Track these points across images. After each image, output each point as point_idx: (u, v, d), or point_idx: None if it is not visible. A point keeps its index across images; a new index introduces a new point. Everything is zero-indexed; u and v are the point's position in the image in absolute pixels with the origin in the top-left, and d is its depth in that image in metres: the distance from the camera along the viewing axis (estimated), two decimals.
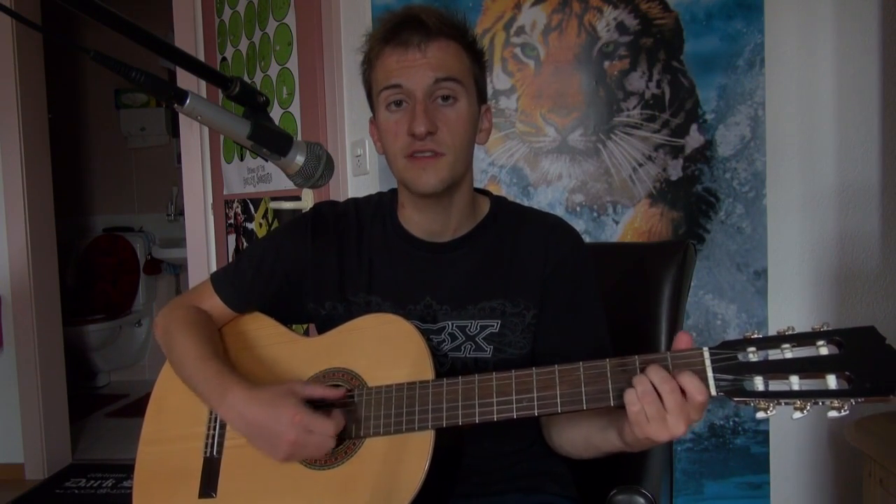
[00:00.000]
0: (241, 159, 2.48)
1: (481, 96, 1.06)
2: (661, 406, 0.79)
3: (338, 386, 1.01)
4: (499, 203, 1.13)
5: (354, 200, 1.16)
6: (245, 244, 2.51)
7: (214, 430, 1.07)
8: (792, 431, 1.99)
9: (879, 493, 1.56)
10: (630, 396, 0.81)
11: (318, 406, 0.97)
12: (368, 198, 1.17)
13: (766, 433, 1.88)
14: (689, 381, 0.79)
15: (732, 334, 1.85)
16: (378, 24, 1.02)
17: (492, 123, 1.10)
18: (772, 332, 1.66)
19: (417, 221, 1.08)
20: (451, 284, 1.05)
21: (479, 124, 1.06)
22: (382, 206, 1.13)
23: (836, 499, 1.99)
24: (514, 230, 1.08)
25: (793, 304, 1.97)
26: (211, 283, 1.16)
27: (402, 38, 0.98)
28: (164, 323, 1.14)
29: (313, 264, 1.11)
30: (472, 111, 1.02)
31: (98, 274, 4.59)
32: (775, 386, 0.78)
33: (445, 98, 0.99)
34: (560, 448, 1.06)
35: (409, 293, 1.06)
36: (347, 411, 0.97)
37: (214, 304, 1.15)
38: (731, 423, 1.88)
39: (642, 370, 0.82)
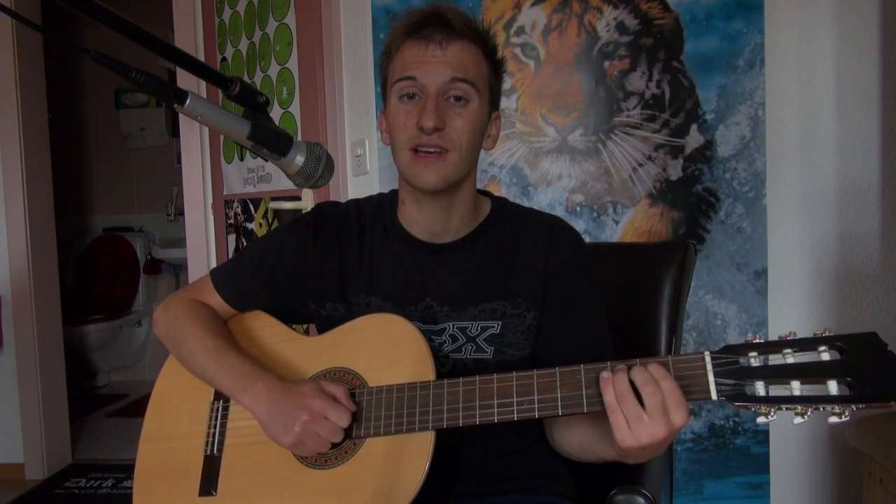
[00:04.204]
0: (241, 159, 2.48)
1: (493, 103, 1.06)
2: (642, 410, 0.80)
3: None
4: (500, 204, 1.13)
5: (355, 202, 1.16)
6: (245, 244, 2.50)
7: (215, 428, 1.07)
8: (792, 431, 1.99)
9: (879, 493, 1.56)
10: (611, 403, 0.82)
11: None
12: (369, 199, 1.17)
13: (766, 433, 1.88)
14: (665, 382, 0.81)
15: (732, 334, 1.85)
16: (403, 17, 1.02)
17: (500, 131, 1.11)
18: (772, 331, 1.66)
19: (418, 220, 1.08)
20: (451, 286, 1.05)
21: (487, 130, 1.06)
22: (383, 207, 1.13)
23: (836, 499, 1.99)
24: (514, 231, 1.08)
25: (793, 304, 1.97)
26: (211, 280, 1.16)
27: (424, 34, 0.99)
28: (166, 317, 1.14)
29: (314, 265, 1.11)
30: (483, 115, 1.03)
31: (98, 274, 4.59)
32: (776, 391, 0.78)
33: (458, 98, 0.99)
34: (561, 450, 1.06)
35: (410, 294, 1.06)
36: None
37: (214, 301, 1.15)
38: (731, 423, 1.88)
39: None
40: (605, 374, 0.82)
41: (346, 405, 0.95)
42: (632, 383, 0.81)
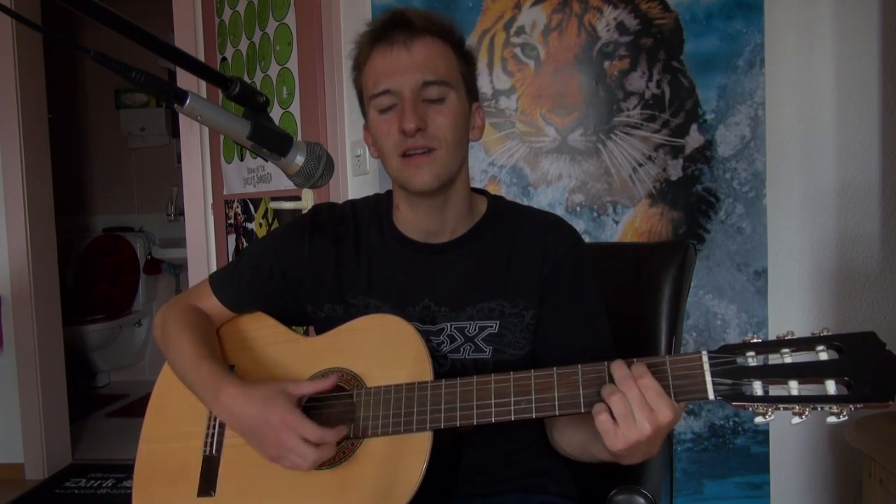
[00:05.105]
0: (241, 159, 2.48)
1: (472, 94, 1.06)
2: (628, 405, 0.80)
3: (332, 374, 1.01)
4: (496, 202, 1.12)
5: (351, 202, 1.16)
6: (245, 244, 2.51)
7: (214, 428, 1.07)
8: (792, 431, 1.99)
9: (879, 493, 1.56)
10: (597, 407, 0.82)
11: (322, 415, 0.96)
12: (365, 200, 1.17)
13: (766, 433, 1.88)
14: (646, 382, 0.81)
15: (732, 334, 1.85)
16: (366, 27, 1.03)
17: (484, 121, 1.10)
18: (771, 331, 1.66)
19: (413, 222, 1.08)
20: (449, 286, 1.05)
21: (471, 121, 1.06)
22: (379, 208, 1.13)
23: (836, 499, 1.99)
24: (512, 230, 1.08)
25: (793, 304, 1.97)
26: (209, 284, 1.16)
27: (387, 38, 0.99)
28: (161, 322, 1.14)
29: (311, 266, 1.10)
30: (463, 107, 1.02)
31: (98, 274, 4.59)
32: (774, 391, 0.77)
33: (434, 100, 0.99)
34: (560, 449, 1.05)
35: (408, 295, 1.06)
36: (346, 418, 0.97)
37: (212, 305, 1.15)
38: (731, 423, 1.88)
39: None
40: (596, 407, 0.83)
41: (323, 388, 0.95)
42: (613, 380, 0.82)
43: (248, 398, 0.95)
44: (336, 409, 1.00)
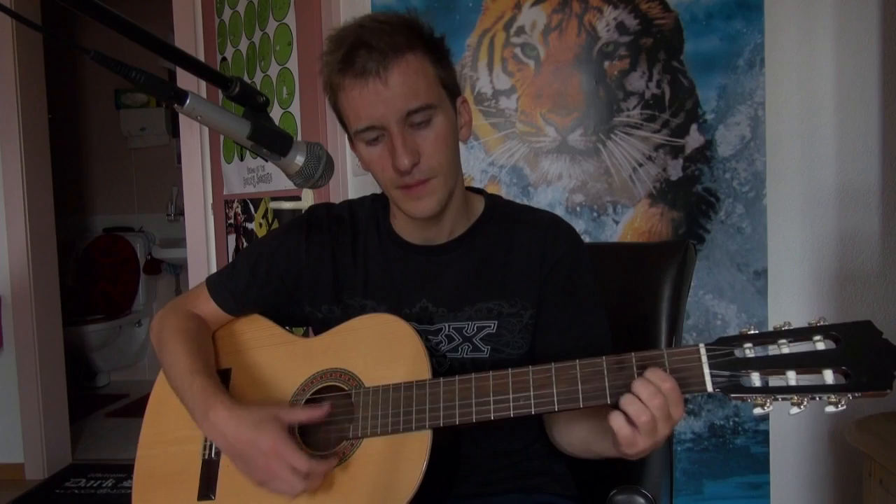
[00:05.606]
0: (241, 159, 2.47)
1: (454, 94, 1.02)
2: (655, 420, 0.79)
3: (330, 388, 1.00)
4: (493, 202, 1.12)
5: (349, 203, 1.16)
6: (245, 244, 2.51)
7: None
8: (792, 431, 1.99)
9: (879, 493, 1.56)
10: (619, 421, 0.80)
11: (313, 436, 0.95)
12: (362, 200, 1.16)
13: (766, 433, 1.88)
14: (652, 376, 0.79)
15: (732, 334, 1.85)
16: (329, 43, 0.96)
17: (471, 114, 1.07)
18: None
19: (410, 229, 1.08)
20: (446, 286, 1.05)
21: (458, 123, 1.03)
22: (376, 210, 1.13)
23: (836, 499, 1.99)
24: (509, 229, 1.07)
25: (793, 303, 1.97)
26: (206, 288, 1.16)
27: (358, 68, 0.92)
28: (157, 329, 1.14)
29: (309, 267, 1.10)
30: (450, 121, 1.00)
31: (98, 274, 4.59)
32: (772, 381, 0.77)
33: (420, 122, 0.96)
34: (561, 447, 1.05)
35: (405, 296, 1.05)
36: (341, 426, 0.97)
37: (210, 308, 1.15)
38: (731, 422, 1.88)
39: (639, 372, 0.81)
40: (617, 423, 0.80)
41: (316, 417, 0.93)
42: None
43: (239, 420, 0.93)
44: (335, 409, 1.00)
